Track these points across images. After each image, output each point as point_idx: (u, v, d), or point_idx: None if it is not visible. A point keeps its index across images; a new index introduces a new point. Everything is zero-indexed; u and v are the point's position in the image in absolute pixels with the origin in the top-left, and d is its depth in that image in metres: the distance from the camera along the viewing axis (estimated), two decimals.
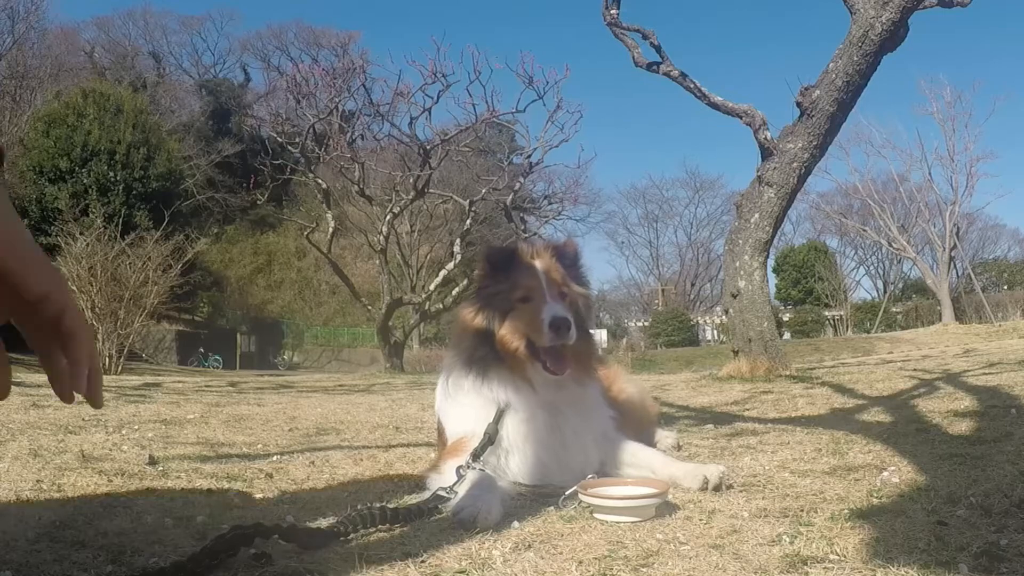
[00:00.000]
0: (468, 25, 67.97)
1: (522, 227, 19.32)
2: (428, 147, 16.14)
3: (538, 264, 2.13)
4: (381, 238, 16.80)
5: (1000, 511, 1.56)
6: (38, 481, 2.01)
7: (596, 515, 1.72)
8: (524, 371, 2.06)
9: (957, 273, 37.90)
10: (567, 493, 1.81)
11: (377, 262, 17.99)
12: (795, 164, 5.96)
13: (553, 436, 2.08)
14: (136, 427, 3.30)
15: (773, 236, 6.18)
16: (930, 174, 37.05)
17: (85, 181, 25.92)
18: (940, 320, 32.77)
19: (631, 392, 2.68)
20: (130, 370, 15.02)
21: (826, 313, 39.44)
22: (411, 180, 16.38)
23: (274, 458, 2.59)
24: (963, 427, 2.65)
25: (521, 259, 2.16)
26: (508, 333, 2.06)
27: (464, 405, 2.14)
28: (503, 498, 1.81)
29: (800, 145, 5.94)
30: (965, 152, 35.23)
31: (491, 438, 2.04)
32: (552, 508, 1.80)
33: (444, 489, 1.85)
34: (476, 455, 2.00)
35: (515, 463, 2.07)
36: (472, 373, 2.11)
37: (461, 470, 1.92)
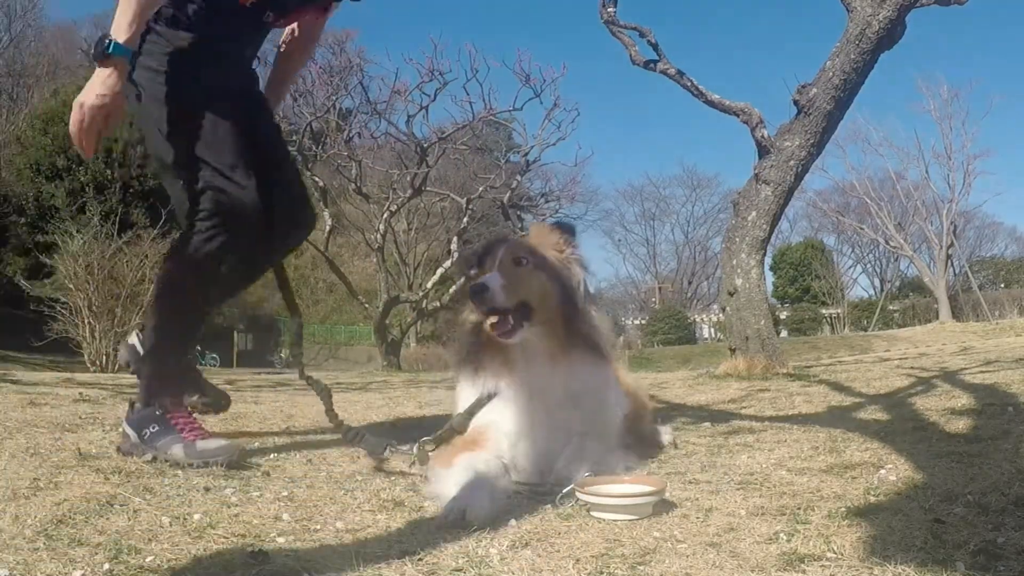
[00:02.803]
0: (465, 23, 67.84)
1: (519, 225, 19.34)
2: (425, 145, 16.13)
3: (502, 247, 2.12)
4: (378, 236, 16.78)
5: (997, 509, 1.56)
6: (35, 479, 2.00)
7: (593, 513, 1.72)
8: (506, 355, 2.06)
9: (954, 271, 37.98)
10: (564, 491, 1.81)
11: (374, 260, 17.99)
12: (792, 162, 5.96)
13: (539, 424, 2.05)
14: None
15: (770, 234, 6.18)
16: (927, 172, 37.14)
17: (82, 179, 25.83)
18: (937, 318, 32.82)
19: (629, 384, 2.66)
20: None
21: (823, 311, 39.46)
22: (408, 178, 16.37)
23: (271, 456, 2.59)
24: (960, 425, 2.65)
25: (491, 249, 2.16)
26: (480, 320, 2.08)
27: (467, 401, 2.15)
28: (494, 493, 1.79)
29: (797, 143, 5.94)
30: (962, 150, 35.34)
31: (452, 427, 2.14)
32: (549, 506, 1.80)
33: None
34: (437, 440, 2.16)
35: (508, 452, 2.05)
36: (467, 367, 2.12)
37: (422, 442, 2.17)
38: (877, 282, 47.14)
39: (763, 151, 6.14)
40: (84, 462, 2.26)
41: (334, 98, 16.56)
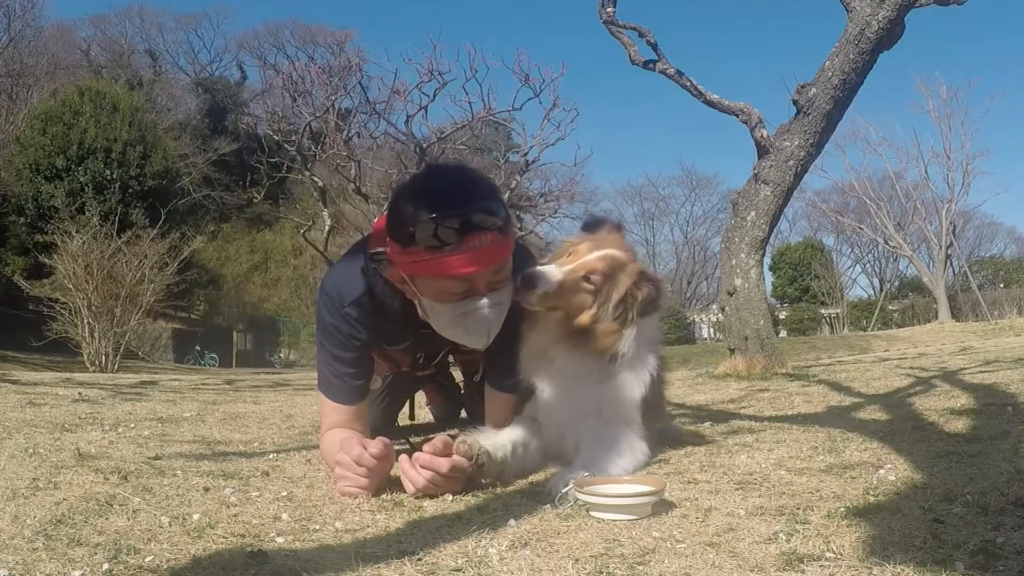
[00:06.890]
0: (464, 23, 67.95)
1: (518, 225, 19.32)
2: (424, 145, 16.13)
3: (597, 251, 2.24)
4: None
5: (996, 509, 1.56)
6: (34, 479, 2.00)
7: (592, 513, 1.72)
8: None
9: (953, 271, 38.02)
10: (563, 491, 1.81)
11: None
12: (791, 162, 5.96)
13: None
14: (132, 425, 3.30)
15: (769, 234, 6.18)
16: (926, 172, 37.17)
17: (81, 179, 25.83)
18: (936, 318, 32.82)
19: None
20: (126, 368, 15.00)
21: (822, 311, 39.46)
22: (407, 178, 16.39)
23: (270, 456, 2.59)
24: (960, 425, 2.65)
25: (597, 224, 2.34)
26: None
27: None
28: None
29: (796, 143, 5.94)
30: (961, 150, 35.35)
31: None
32: (548, 506, 1.80)
33: None
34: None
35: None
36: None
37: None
38: (876, 282, 47.20)
39: (762, 151, 6.13)
40: (83, 462, 2.26)
41: (333, 98, 16.57)
